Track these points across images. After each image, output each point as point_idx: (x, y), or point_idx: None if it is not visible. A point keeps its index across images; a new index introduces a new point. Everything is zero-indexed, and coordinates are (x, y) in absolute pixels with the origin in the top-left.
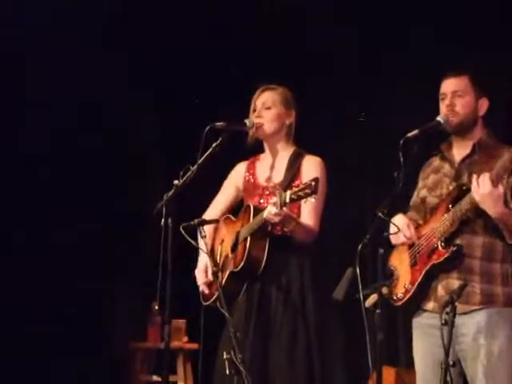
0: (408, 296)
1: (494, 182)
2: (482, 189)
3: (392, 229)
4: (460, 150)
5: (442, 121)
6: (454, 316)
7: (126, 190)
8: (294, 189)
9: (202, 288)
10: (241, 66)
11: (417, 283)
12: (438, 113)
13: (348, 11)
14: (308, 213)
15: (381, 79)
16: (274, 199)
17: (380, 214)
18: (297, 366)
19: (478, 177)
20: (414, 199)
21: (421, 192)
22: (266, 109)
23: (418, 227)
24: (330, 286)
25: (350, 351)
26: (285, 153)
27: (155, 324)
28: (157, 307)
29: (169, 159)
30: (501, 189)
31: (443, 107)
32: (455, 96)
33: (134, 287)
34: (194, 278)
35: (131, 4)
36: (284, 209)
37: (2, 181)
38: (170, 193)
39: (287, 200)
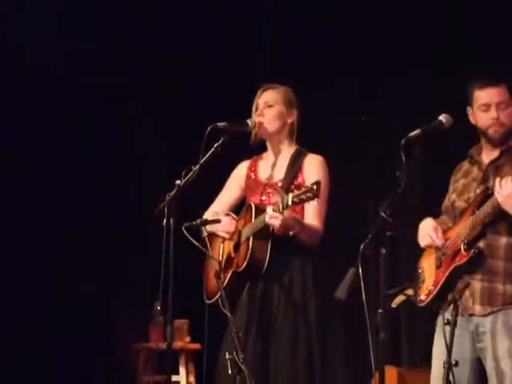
0: (431, 297)
1: None
2: (505, 190)
3: (421, 230)
4: (489, 154)
5: (444, 120)
6: (457, 315)
7: (127, 188)
8: (296, 191)
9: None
10: (241, 64)
11: (439, 284)
12: (439, 113)
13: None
14: (312, 213)
15: (382, 78)
16: (276, 199)
17: (382, 214)
18: (298, 365)
19: (501, 179)
20: (445, 203)
21: (451, 196)
22: (268, 107)
23: (446, 230)
24: (332, 286)
25: (352, 351)
26: (287, 151)
27: (157, 324)
28: (159, 307)
29: (168, 156)
30: None
31: (486, 118)
32: (499, 107)
33: (137, 287)
34: (196, 277)
35: (131, 6)
36: (286, 212)
37: (3, 183)
38: (172, 193)
39: (289, 203)
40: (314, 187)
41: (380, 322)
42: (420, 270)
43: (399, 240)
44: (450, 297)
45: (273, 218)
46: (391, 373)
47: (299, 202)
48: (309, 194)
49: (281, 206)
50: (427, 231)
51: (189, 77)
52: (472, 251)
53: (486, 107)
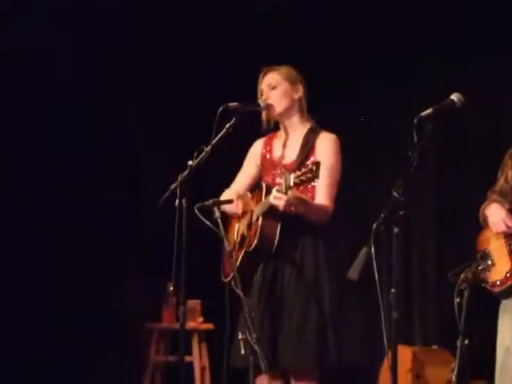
0: (510, 283)
1: None
2: None
3: (493, 216)
4: None
5: (455, 99)
6: (470, 296)
7: (136, 171)
8: (297, 172)
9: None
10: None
11: None
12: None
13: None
14: (322, 192)
15: (382, 74)
16: (280, 180)
17: (395, 193)
18: (308, 341)
19: None
20: (503, 186)
21: None
22: (272, 89)
23: None
24: (345, 263)
25: (366, 330)
26: (300, 130)
27: (170, 305)
28: (172, 288)
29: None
30: None
31: None
32: None
33: (149, 268)
34: (209, 258)
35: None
36: (290, 192)
37: (3, 180)
38: (184, 173)
39: (291, 184)
40: (314, 168)
41: (393, 301)
42: (487, 252)
43: (412, 219)
44: (463, 276)
45: (276, 198)
46: (404, 352)
47: (300, 183)
48: (309, 175)
49: (284, 187)
50: (502, 218)
51: (192, 61)
52: None
53: None
